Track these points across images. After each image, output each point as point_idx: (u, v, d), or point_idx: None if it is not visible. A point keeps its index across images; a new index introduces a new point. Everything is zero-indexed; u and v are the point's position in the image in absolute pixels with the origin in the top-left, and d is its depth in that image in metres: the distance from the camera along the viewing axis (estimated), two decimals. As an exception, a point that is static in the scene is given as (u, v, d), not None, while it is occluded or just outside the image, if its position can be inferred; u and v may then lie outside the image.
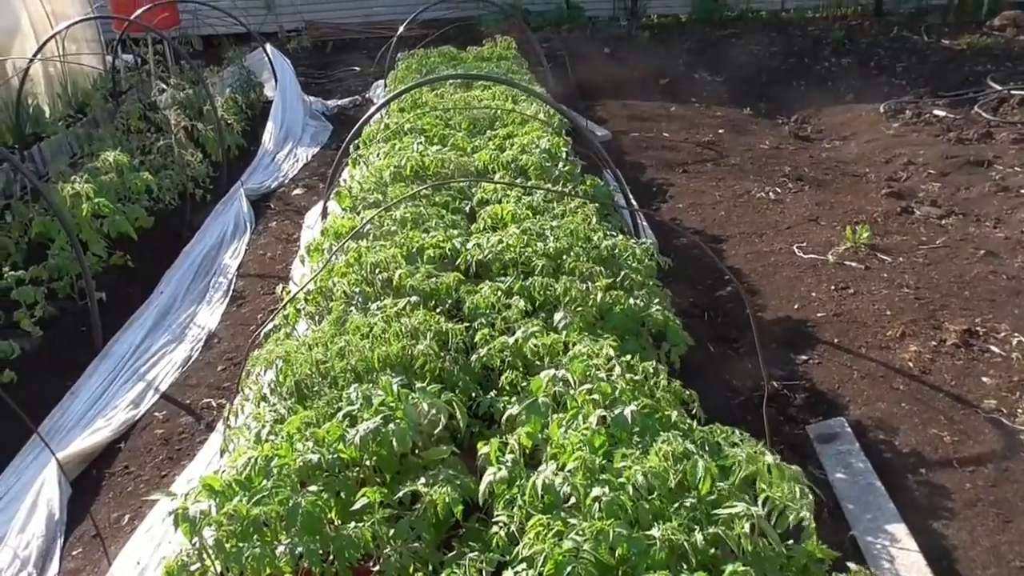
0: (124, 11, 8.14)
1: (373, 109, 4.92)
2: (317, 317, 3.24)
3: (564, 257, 3.31)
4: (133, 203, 5.35)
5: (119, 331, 4.46)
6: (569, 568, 1.79)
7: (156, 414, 3.76)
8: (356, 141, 5.23)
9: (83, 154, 6.62)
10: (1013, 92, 7.75)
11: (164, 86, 7.83)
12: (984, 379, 3.68)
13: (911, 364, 3.81)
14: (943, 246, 5.01)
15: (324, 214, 4.72)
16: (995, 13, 11.07)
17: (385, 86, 7.99)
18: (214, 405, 3.74)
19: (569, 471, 2.03)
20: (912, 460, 3.21)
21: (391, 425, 2.25)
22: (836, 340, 4.06)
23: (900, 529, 2.80)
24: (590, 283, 3.12)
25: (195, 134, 6.91)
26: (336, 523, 2.17)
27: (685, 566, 1.83)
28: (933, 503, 2.99)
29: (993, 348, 3.90)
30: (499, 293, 3.07)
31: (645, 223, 5.35)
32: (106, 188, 5.17)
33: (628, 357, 2.56)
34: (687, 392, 2.56)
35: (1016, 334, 3.98)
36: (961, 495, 3.02)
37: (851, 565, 1.87)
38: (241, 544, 1.92)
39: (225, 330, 4.52)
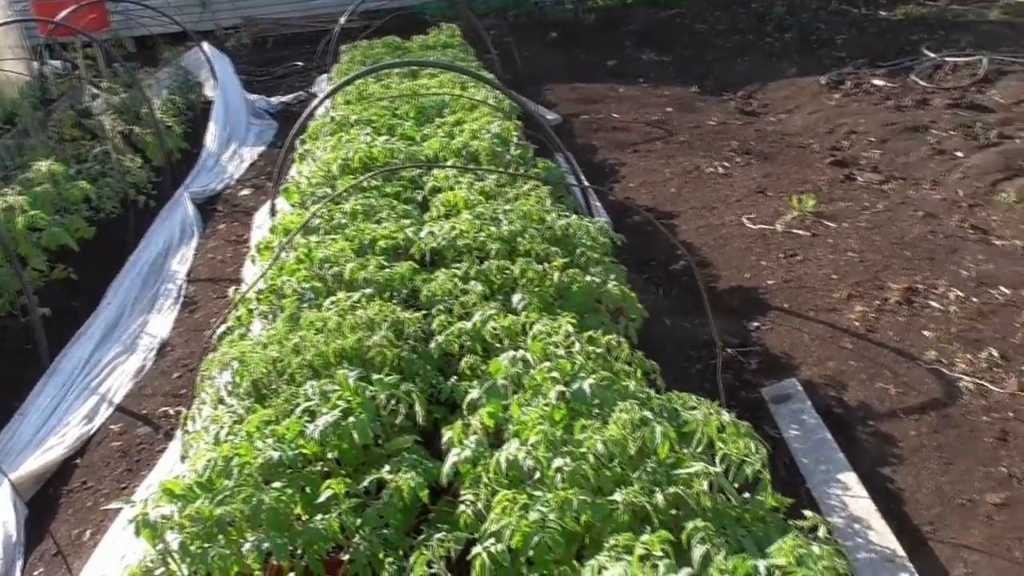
0: (47, 14, 7.86)
1: (317, 101, 4.86)
2: (271, 316, 3.20)
3: (519, 239, 3.32)
4: (71, 214, 5.20)
5: (66, 346, 4.33)
6: (536, 538, 1.82)
7: (112, 427, 3.68)
8: (302, 136, 5.16)
9: (14, 166, 6.40)
10: (946, 59, 8.00)
11: (97, 91, 7.60)
12: (925, 333, 3.81)
13: (857, 324, 3.93)
14: (885, 210, 5.16)
15: (272, 212, 4.65)
16: (928, -17, 11.37)
17: (329, 80, 7.89)
18: (171, 413, 3.67)
19: (531, 445, 2.05)
20: (861, 413, 3.33)
21: (351, 418, 2.24)
22: (786, 305, 4.17)
23: (851, 478, 2.91)
24: (546, 263, 3.14)
25: (133, 139, 6.73)
26: (303, 518, 2.15)
27: (648, 527, 1.87)
28: (881, 452, 3.11)
29: (933, 304, 4.05)
30: (455, 279, 3.07)
31: (598, 203, 5.40)
32: (41, 199, 5.01)
33: (589, 333, 2.59)
34: (649, 363, 2.60)
35: (953, 289, 4.13)
36: (907, 442, 3.15)
37: (806, 513, 1.93)
38: (206, 545, 1.89)
39: (178, 337, 4.43)
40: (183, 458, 2.55)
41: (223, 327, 3.16)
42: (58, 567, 2.87)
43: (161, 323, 4.57)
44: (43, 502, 3.27)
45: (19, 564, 2.90)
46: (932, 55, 8.19)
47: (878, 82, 7.91)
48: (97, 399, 3.87)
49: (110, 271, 5.15)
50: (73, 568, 2.78)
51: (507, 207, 3.68)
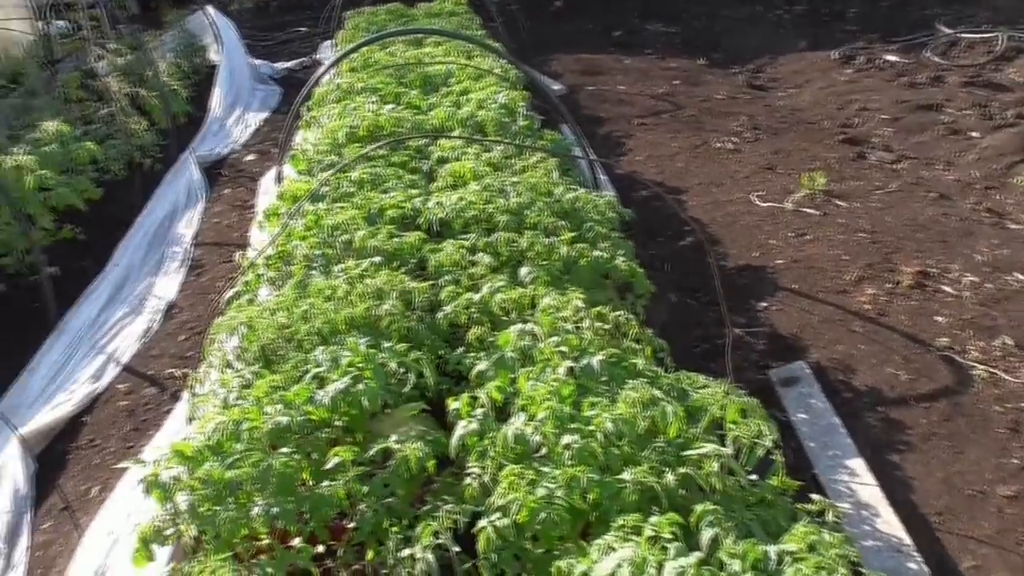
0: (55, -28, 7.74)
1: (323, 69, 4.80)
2: (278, 282, 3.19)
3: (526, 212, 3.30)
4: (78, 175, 5.18)
5: (74, 305, 4.34)
6: (543, 514, 1.82)
7: (119, 386, 3.70)
8: (308, 103, 5.11)
9: (20, 125, 6.35)
10: (962, 36, 7.87)
11: (102, 52, 7.51)
12: (937, 318, 3.79)
13: (868, 307, 3.91)
14: (897, 190, 5.11)
15: (279, 179, 4.63)
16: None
17: (334, 46, 7.79)
18: (178, 375, 3.68)
19: (539, 421, 2.05)
20: (870, 399, 3.32)
21: (360, 385, 2.24)
22: (795, 286, 4.15)
23: (859, 464, 2.91)
24: (554, 237, 3.12)
25: (139, 101, 6.68)
26: (309, 483, 2.17)
27: (656, 508, 1.87)
28: (890, 438, 3.10)
29: (946, 288, 4.02)
30: (463, 250, 3.05)
31: (605, 176, 5.36)
32: (49, 159, 4.99)
33: (598, 308, 2.58)
34: (658, 341, 2.60)
35: (967, 273, 4.10)
36: (916, 430, 3.14)
37: (814, 497, 1.93)
38: (216, 507, 1.91)
39: (184, 300, 4.43)
40: (190, 420, 2.56)
41: (231, 292, 3.15)
42: (66, 521, 2.90)
43: (167, 286, 4.57)
44: (51, 458, 3.30)
45: (28, 517, 2.94)
46: (947, 31, 8.07)
47: (891, 58, 7.80)
48: (104, 358, 3.88)
49: (117, 233, 5.14)
50: (80, 523, 2.81)
51: (514, 179, 3.65)
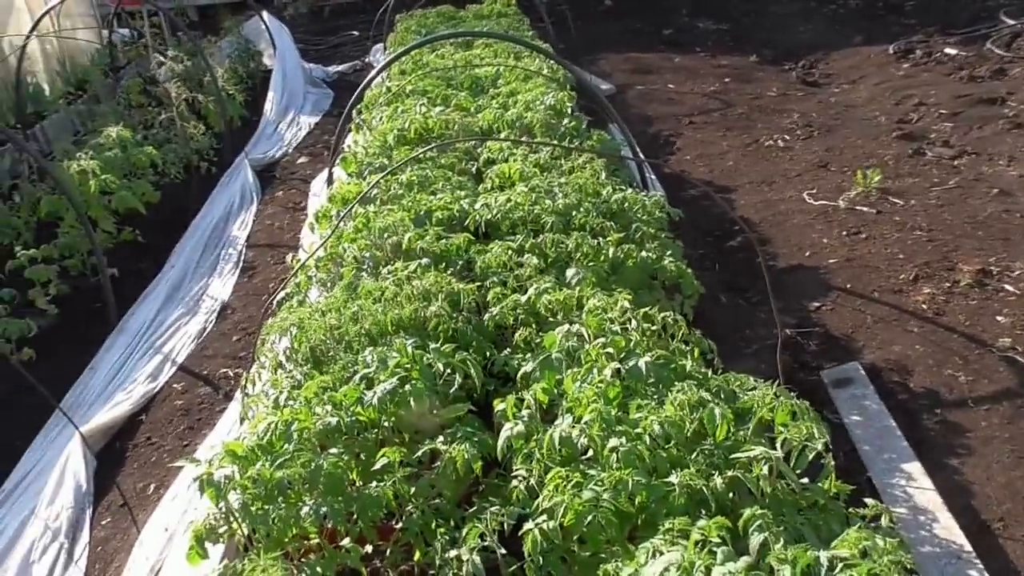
0: (118, -16, 8.03)
1: (373, 73, 4.87)
2: (329, 283, 3.25)
3: (574, 213, 3.29)
4: (139, 178, 5.35)
5: (133, 306, 4.49)
6: (589, 518, 1.82)
7: (175, 386, 3.81)
8: (359, 106, 5.18)
9: (86, 131, 6.61)
10: (1026, 26, 7.57)
11: (162, 59, 7.75)
12: (999, 318, 3.65)
13: (925, 306, 3.79)
14: (956, 187, 4.94)
15: (330, 181, 4.71)
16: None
17: (384, 49, 7.89)
18: (231, 375, 3.78)
19: (585, 423, 2.05)
20: (927, 401, 3.22)
21: (407, 386, 2.27)
22: (849, 285, 4.04)
23: (916, 468, 2.82)
24: (601, 238, 3.11)
25: (196, 106, 6.87)
26: (357, 484, 2.20)
27: (704, 511, 1.85)
28: (949, 442, 3.00)
29: (1008, 287, 3.87)
30: (510, 252, 3.06)
31: (653, 176, 5.31)
32: (111, 164, 5.17)
33: (645, 309, 2.55)
34: (706, 342, 2.56)
35: (1031, 272, 3.94)
36: (976, 433, 3.03)
37: (868, 501, 1.88)
38: (267, 507, 1.95)
39: (237, 300, 4.54)
40: (242, 420, 2.63)
41: (282, 293, 3.22)
42: (124, 517, 3.00)
43: (221, 287, 4.69)
44: (110, 455, 3.42)
45: (88, 513, 3.05)
46: (1011, 22, 7.75)
47: (951, 51, 7.53)
48: (161, 358, 4.00)
49: (174, 234, 5.30)
50: (138, 520, 2.91)
51: (562, 180, 3.64)
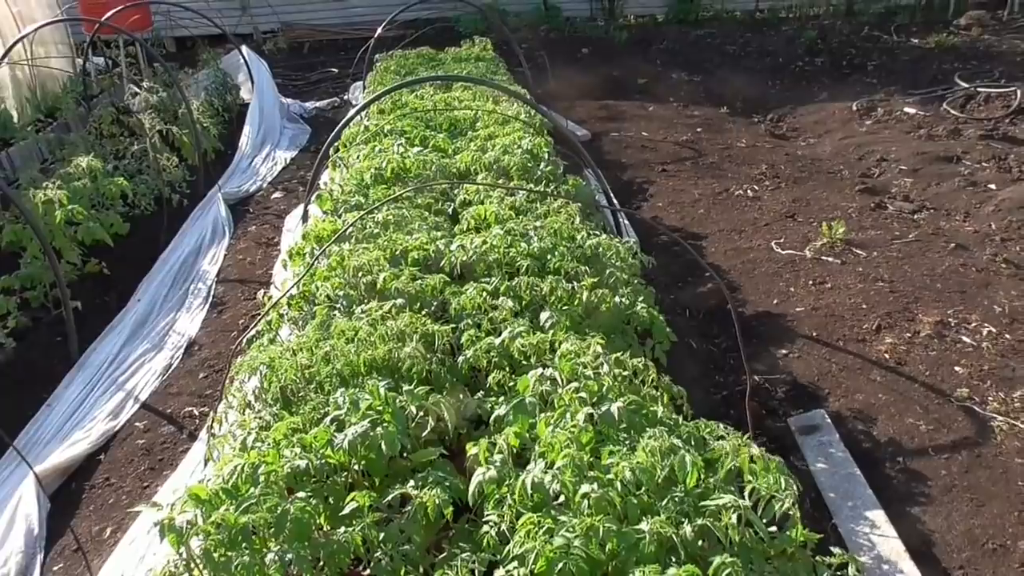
0: (95, 13, 8.02)
1: (353, 112, 4.90)
2: (300, 322, 3.22)
3: (549, 257, 3.32)
4: (107, 209, 5.28)
5: (96, 340, 4.39)
6: (560, 564, 1.81)
7: (137, 424, 3.72)
8: (336, 144, 5.20)
9: (54, 159, 6.52)
10: (979, 90, 7.91)
11: (137, 89, 7.73)
12: (957, 368, 3.75)
13: (887, 356, 3.88)
14: (916, 240, 5.10)
15: (305, 217, 4.70)
16: (961, 13, 11.31)
17: (364, 88, 7.96)
18: (196, 414, 3.70)
19: (558, 469, 2.05)
20: (890, 449, 3.28)
21: (379, 429, 2.25)
22: (815, 334, 4.12)
23: (880, 516, 2.86)
24: (575, 282, 3.14)
25: (170, 138, 6.83)
26: (325, 529, 2.16)
27: (674, 559, 1.85)
28: (911, 490, 3.05)
29: (965, 339, 3.98)
30: (484, 294, 3.07)
31: (626, 222, 5.39)
32: (79, 194, 5.09)
33: (617, 354, 2.58)
34: (676, 388, 2.59)
35: (986, 324, 4.06)
36: (937, 481, 3.09)
37: (834, 550, 1.90)
38: (230, 553, 1.90)
39: (206, 337, 4.47)
40: (207, 461, 2.57)
41: (252, 331, 3.19)
42: (77, 564, 2.90)
43: (189, 322, 4.62)
44: (66, 497, 3.30)
45: (39, 559, 2.93)
46: (965, 85, 8.11)
47: (910, 110, 7.84)
48: (123, 395, 3.91)
49: (142, 268, 5.22)
50: (92, 565, 2.80)
51: (537, 223, 3.68)
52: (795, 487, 2.02)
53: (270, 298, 3.76)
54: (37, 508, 3.10)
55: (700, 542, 1.93)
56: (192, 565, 1.90)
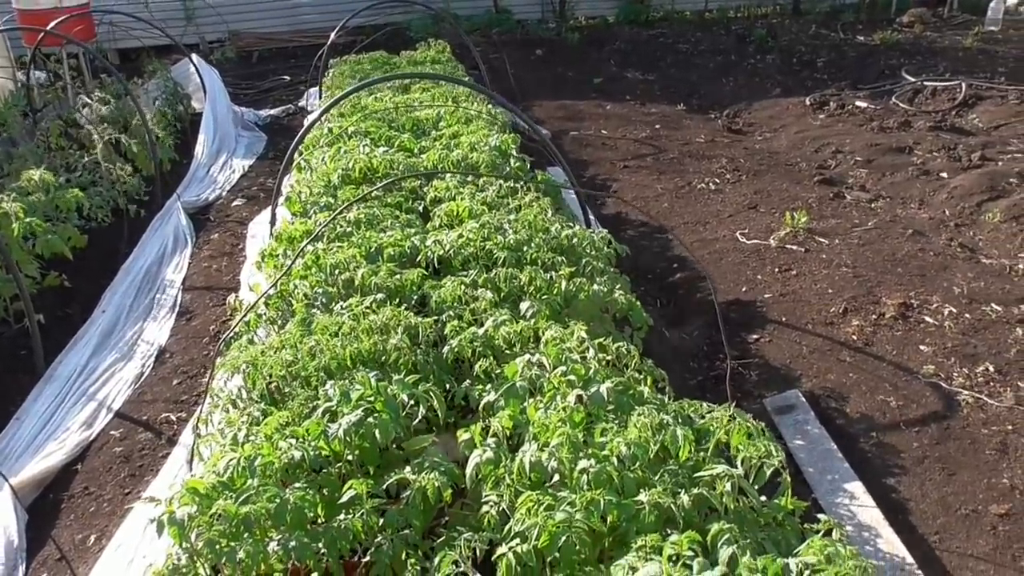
0: (34, 24, 7.81)
1: (316, 114, 4.88)
2: (279, 321, 3.20)
3: (525, 248, 3.36)
4: (63, 222, 5.15)
5: (62, 353, 4.27)
6: (563, 538, 1.83)
7: (112, 433, 3.63)
8: (300, 148, 5.16)
9: (3, 173, 6.32)
10: (926, 83, 8.22)
11: (87, 100, 7.54)
12: (922, 347, 3.89)
13: (855, 337, 4.01)
14: (875, 227, 5.27)
15: (273, 220, 4.65)
16: (903, 11, 11.74)
17: (320, 94, 7.92)
18: (174, 419, 3.64)
19: (554, 447, 2.08)
20: (863, 425, 3.39)
21: (372, 418, 2.25)
22: (784, 319, 4.24)
23: (858, 488, 2.96)
24: (553, 272, 3.18)
25: (122, 149, 6.69)
26: (320, 519, 2.15)
27: (672, 529, 1.89)
28: (886, 462, 3.16)
29: (927, 319, 4.14)
30: (464, 286, 3.09)
31: (593, 217, 5.46)
32: (34, 207, 4.96)
33: (599, 340, 2.62)
34: (658, 372, 2.64)
35: (946, 305, 4.23)
36: (910, 454, 3.21)
37: (820, 516, 1.97)
38: (233, 544, 1.89)
39: (176, 344, 4.39)
40: (191, 462, 2.54)
41: (230, 332, 3.15)
42: (62, 572, 2.82)
43: (158, 331, 4.53)
44: (44, 508, 3.22)
45: (21, 569, 2.85)
46: (912, 79, 8.42)
47: (861, 104, 8.10)
48: (96, 405, 3.82)
49: (103, 279, 5.10)
50: (79, 573, 2.74)
51: (511, 217, 3.72)
52: (782, 453, 2.08)
53: (241, 302, 3.71)
54: (15, 520, 3.01)
55: (696, 511, 1.97)
56: (194, 558, 1.88)
